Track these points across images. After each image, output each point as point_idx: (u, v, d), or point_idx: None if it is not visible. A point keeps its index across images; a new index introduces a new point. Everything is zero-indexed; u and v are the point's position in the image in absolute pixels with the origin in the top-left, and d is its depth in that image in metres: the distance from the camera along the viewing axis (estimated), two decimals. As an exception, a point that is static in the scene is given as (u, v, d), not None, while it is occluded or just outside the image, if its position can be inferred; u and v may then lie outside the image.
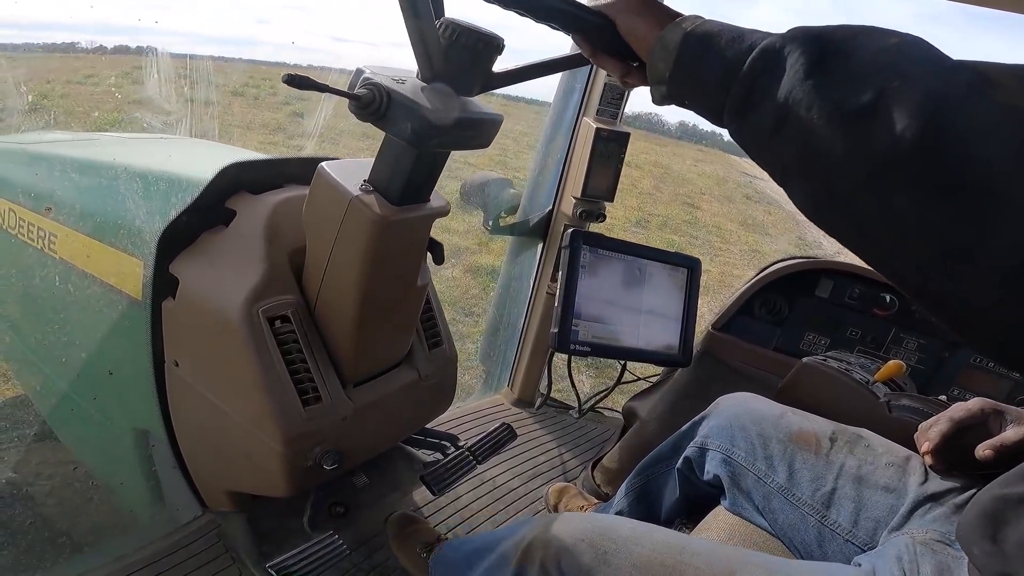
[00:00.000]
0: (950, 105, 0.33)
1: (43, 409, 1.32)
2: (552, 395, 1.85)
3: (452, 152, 0.76)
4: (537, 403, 1.81)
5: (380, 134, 0.71)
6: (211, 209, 0.87)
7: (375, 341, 0.90)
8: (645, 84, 0.53)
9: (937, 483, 0.73)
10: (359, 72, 0.66)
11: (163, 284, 0.89)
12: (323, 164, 0.78)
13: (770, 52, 0.41)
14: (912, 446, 0.80)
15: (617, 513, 1.06)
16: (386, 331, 0.90)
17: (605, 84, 1.33)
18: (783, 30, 0.42)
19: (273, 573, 0.91)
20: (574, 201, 1.42)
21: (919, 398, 1.02)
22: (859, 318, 1.40)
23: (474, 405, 1.84)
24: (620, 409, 1.70)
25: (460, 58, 0.63)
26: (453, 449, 1.28)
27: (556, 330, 1.16)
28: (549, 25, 0.54)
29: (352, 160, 0.79)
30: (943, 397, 1.11)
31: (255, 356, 0.81)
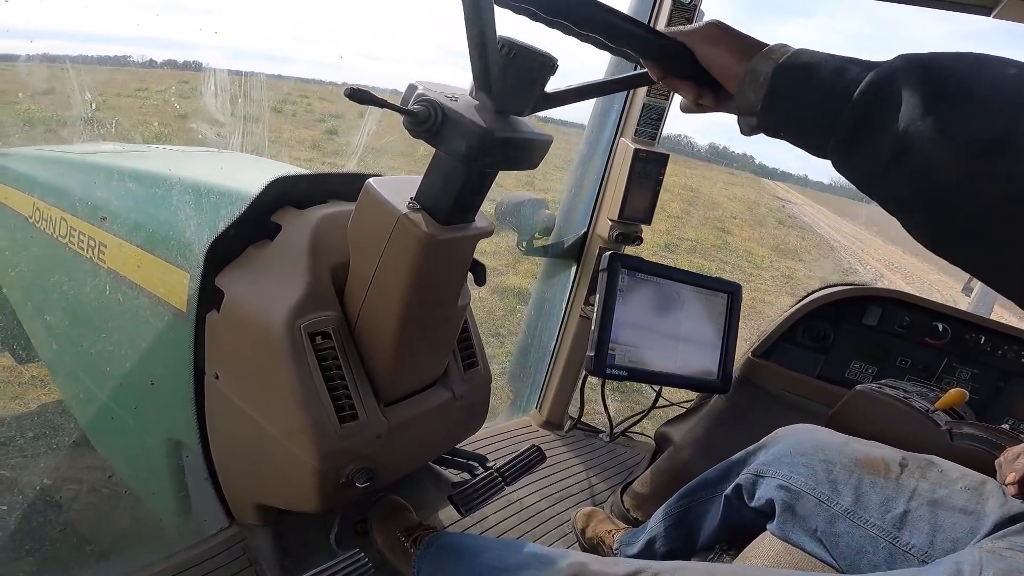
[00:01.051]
0: None
1: (80, 416, 1.35)
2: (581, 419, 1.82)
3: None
4: (567, 426, 1.78)
5: (418, 154, 0.71)
6: (258, 223, 0.89)
7: (414, 360, 0.89)
8: (719, 108, 0.53)
9: (1020, 505, 0.71)
10: (411, 88, 0.66)
11: (208, 296, 0.90)
12: (371, 180, 0.78)
13: (882, 82, 0.40)
14: (991, 471, 0.79)
15: (651, 539, 1.03)
16: (425, 350, 0.90)
17: (644, 104, 1.32)
18: (847, 52, 0.41)
19: None
20: (610, 223, 1.41)
21: (982, 426, 0.98)
22: (909, 347, 1.35)
23: (502, 426, 1.81)
24: (651, 434, 1.67)
25: (515, 77, 0.63)
26: (482, 470, 1.26)
27: (592, 354, 1.14)
28: (623, 54, 0.54)
29: (399, 177, 0.80)
30: (1006, 426, 1.07)
31: (295, 371, 0.81)
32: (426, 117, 0.63)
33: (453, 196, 0.72)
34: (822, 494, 0.80)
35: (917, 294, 1.38)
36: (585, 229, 1.54)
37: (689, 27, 0.52)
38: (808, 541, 0.81)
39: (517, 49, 0.61)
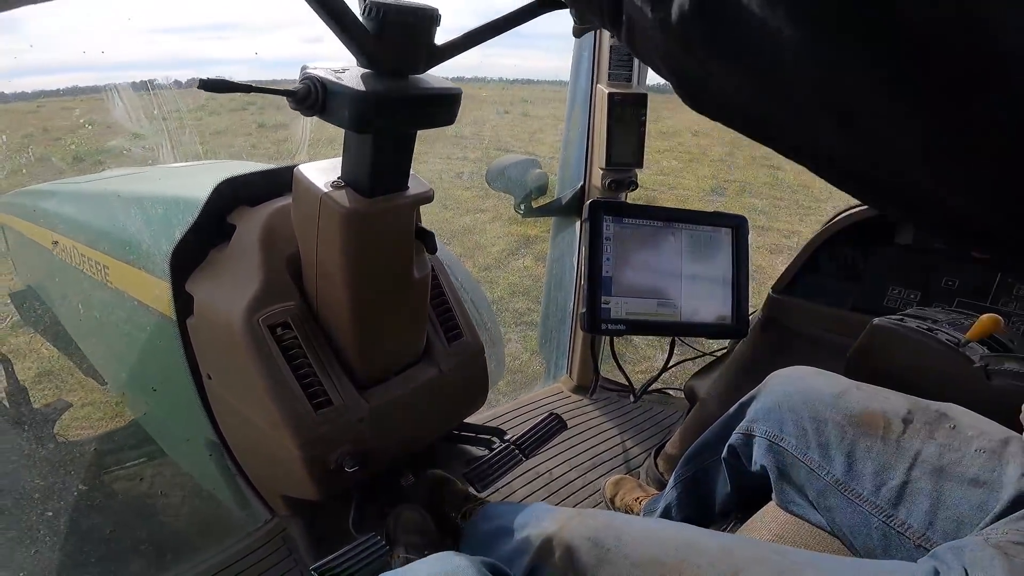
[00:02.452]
0: None
1: (147, 428, 1.45)
2: (613, 377, 1.76)
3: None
4: (592, 389, 1.73)
5: None
6: (214, 226, 0.90)
7: (379, 339, 0.88)
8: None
9: None
10: (303, 68, 0.64)
11: (183, 303, 0.93)
12: (299, 167, 0.77)
13: None
14: (1018, 424, 0.64)
15: (666, 507, 0.98)
16: (389, 328, 0.88)
17: (611, 47, 1.23)
18: None
19: (314, 575, 0.92)
20: (601, 172, 1.33)
21: (1030, 361, 0.82)
22: (955, 265, 1.19)
23: (534, 395, 1.79)
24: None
25: (393, 37, 0.60)
26: (499, 443, 1.24)
27: (584, 310, 1.09)
28: None
29: (328, 160, 0.78)
30: None
31: (261, 364, 0.82)
32: (307, 94, 0.61)
33: (369, 167, 0.69)
34: (812, 460, 0.71)
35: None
36: (581, 182, 1.46)
37: None
38: (811, 512, 0.72)
39: (383, 8, 0.58)
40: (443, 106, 0.68)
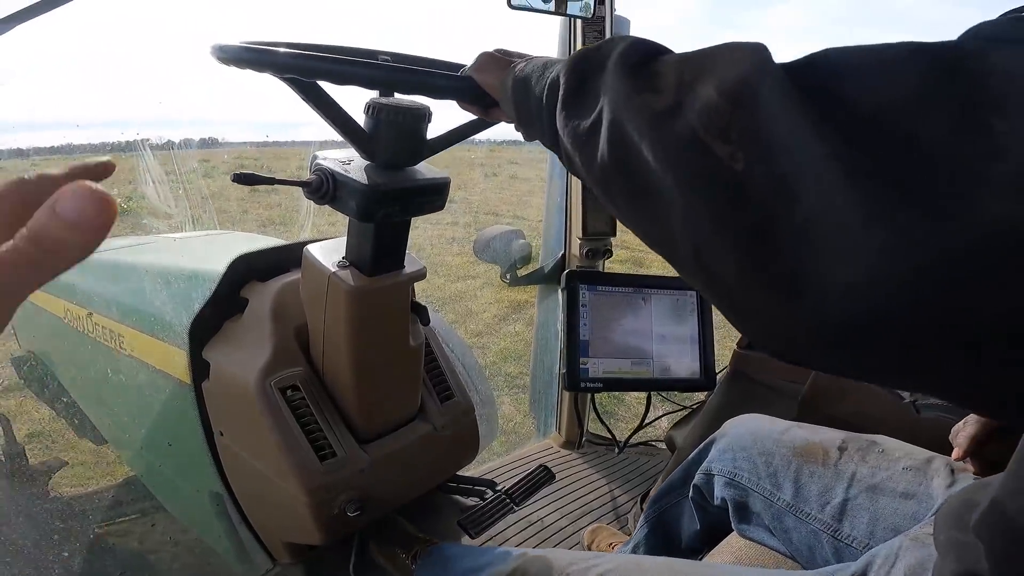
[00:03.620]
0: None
1: (148, 484, 1.49)
2: (600, 433, 1.84)
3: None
4: (579, 443, 1.81)
5: None
6: (228, 299, 1.00)
7: (378, 399, 0.97)
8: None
9: (965, 484, 0.67)
10: (313, 157, 0.75)
11: (199, 368, 1.02)
12: (308, 246, 0.88)
13: (553, 83, 0.45)
14: (949, 449, 0.74)
15: (635, 546, 1.04)
16: (388, 390, 0.98)
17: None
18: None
19: None
20: (579, 241, 1.47)
21: (951, 393, 0.94)
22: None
23: (526, 451, 1.86)
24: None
25: (390, 134, 0.70)
26: (491, 493, 1.32)
27: (564, 371, 1.19)
28: (436, 97, 0.61)
29: (333, 240, 0.90)
30: None
31: (272, 421, 0.91)
32: (319, 185, 0.71)
33: (371, 250, 0.80)
34: (765, 489, 0.79)
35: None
36: (562, 251, 1.59)
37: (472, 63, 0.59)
38: (768, 537, 0.81)
39: (380, 108, 0.68)
40: (435, 195, 0.78)
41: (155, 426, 1.28)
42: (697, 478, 0.91)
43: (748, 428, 0.87)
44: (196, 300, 0.99)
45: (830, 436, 0.80)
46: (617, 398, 2.87)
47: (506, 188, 7.93)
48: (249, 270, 1.02)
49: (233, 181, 0.64)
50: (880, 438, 0.79)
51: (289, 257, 1.06)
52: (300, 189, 0.72)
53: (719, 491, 0.87)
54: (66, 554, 1.36)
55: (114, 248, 1.59)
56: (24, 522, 1.45)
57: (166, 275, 1.13)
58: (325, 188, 0.71)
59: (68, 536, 1.42)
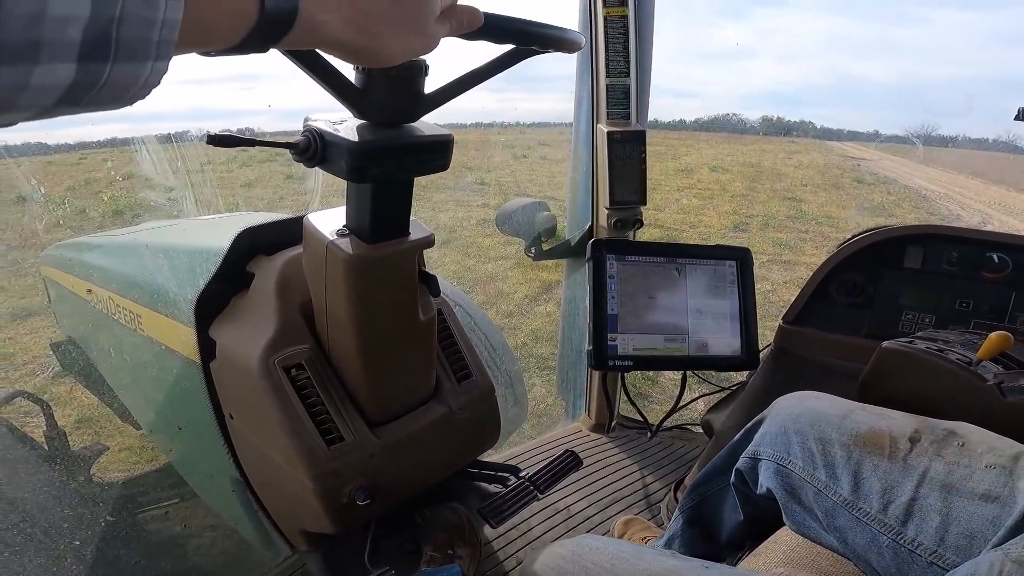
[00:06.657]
0: None
1: (179, 470, 1.50)
2: (632, 416, 1.75)
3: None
4: (609, 427, 1.73)
5: None
6: (235, 275, 0.96)
7: (388, 378, 0.91)
8: None
9: None
10: (305, 120, 0.69)
11: (206, 347, 0.98)
12: (308, 216, 0.82)
13: None
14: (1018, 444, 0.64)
15: (669, 539, 0.96)
16: (397, 368, 0.91)
17: (607, 86, 1.29)
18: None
19: None
20: (607, 211, 1.37)
21: (1047, 375, 0.81)
22: (965, 285, 1.18)
23: (554, 434, 1.79)
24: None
25: (382, 89, 0.64)
26: (514, 480, 1.25)
27: (590, 348, 1.11)
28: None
29: (335, 209, 0.83)
30: None
31: (277, 403, 0.86)
32: (307, 146, 0.65)
33: (369, 214, 0.74)
34: (819, 480, 0.70)
35: (964, 226, 1.21)
36: (589, 223, 1.50)
37: None
38: (824, 534, 0.71)
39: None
40: (434, 153, 0.71)
41: (171, 408, 1.26)
42: (741, 462, 0.82)
43: (802, 409, 0.77)
44: (201, 275, 0.95)
45: (901, 423, 0.70)
46: (650, 378, 2.76)
47: (537, 169, 7.84)
48: (255, 244, 0.97)
49: (207, 143, 0.59)
50: (961, 427, 0.68)
51: (295, 230, 1.00)
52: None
53: (765, 479, 0.77)
54: (90, 535, 1.37)
55: (140, 230, 1.59)
56: (66, 510, 1.47)
57: (176, 252, 1.09)
58: (313, 149, 0.65)
59: (97, 521, 1.44)
